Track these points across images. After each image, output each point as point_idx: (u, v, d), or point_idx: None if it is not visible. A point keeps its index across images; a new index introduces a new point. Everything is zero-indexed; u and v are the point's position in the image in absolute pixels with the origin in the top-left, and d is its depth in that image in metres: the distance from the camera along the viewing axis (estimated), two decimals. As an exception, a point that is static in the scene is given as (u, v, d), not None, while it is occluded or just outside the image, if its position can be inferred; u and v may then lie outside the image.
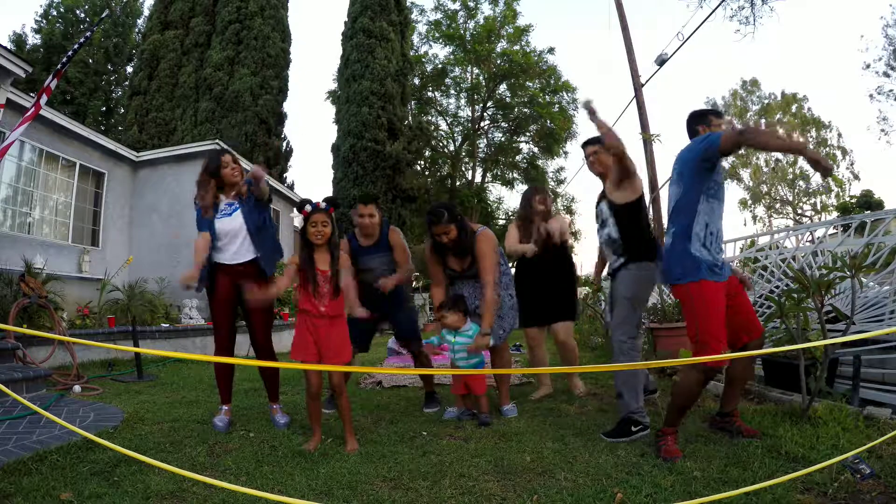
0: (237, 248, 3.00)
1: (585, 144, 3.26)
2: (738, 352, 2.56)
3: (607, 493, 1.91)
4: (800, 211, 29.29)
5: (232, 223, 2.99)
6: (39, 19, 22.39)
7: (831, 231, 4.89)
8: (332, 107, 18.80)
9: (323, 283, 2.61)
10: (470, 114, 22.23)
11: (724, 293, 2.40)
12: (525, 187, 22.74)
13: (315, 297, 2.60)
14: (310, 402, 2.64)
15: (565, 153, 22.20)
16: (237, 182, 3.07)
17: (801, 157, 2.33)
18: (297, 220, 13.60)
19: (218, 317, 3.04)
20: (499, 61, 20.85)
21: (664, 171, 11.64)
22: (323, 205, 2.65)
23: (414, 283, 19.59)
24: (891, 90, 21.26)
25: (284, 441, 2.64)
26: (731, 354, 2.51)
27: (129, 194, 9.06)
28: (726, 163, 29.34)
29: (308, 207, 2.64)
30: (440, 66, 21.49)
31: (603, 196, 3.07)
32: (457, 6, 20.97)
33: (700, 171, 2.40)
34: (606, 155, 3.01)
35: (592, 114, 2.83)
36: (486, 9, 21.14)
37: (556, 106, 21.30)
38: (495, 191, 23.65)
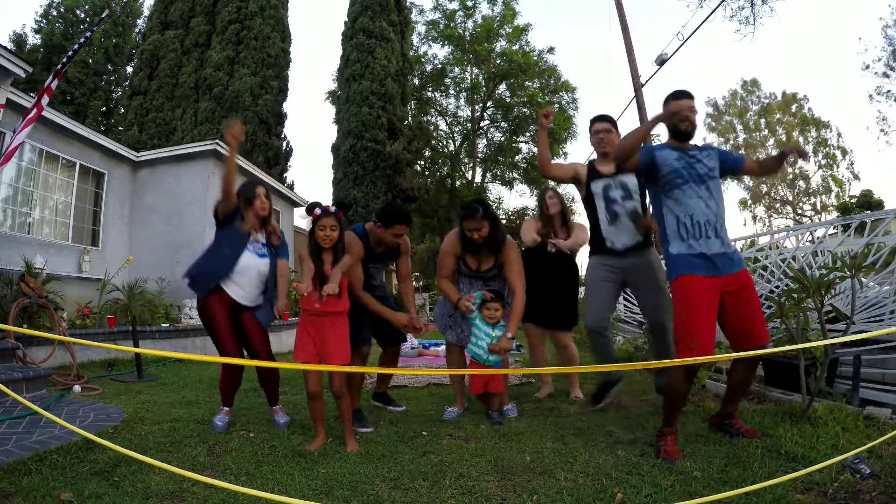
0: (252, 292, 2.96)
1: (595, 121, 3.27)
2: (748, 359, 2.52)
3: (607, 493, 1.91)
4: (800, 211, 29.29)
5: (259, 263, 2.96)
6: (39, 19, 22.42)
7: (831, 231, 4.89)
8: (332, 107, 18.81)
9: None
10: (470, 114, 22.24)
11: (711, 288, 2.33)
12: (525, 187, 22.64)
13: (318, 294, 2.59)
14: (310, 402, 2.64)
15: (565, 154, 22.21)
16: (265, 217, 3.02)
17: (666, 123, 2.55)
18: (305, 221, 13.58)
19: (222, 331, 2.90)
20: (498, 61, 20.84)
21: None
22: (332, 208, 2.64)
23: (414, 283, 19.61)
24: (889, 90, 21.27)
25: (284, 441, 2.63)
26: (731, 355, 2.51)
27: (129, 194, 9.06)
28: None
29: (317, 210, 2.62)
30: (439, 66, 21.48)
31: (623, 171, 3.07)
32: (455, 6, 20.97)
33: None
34: (616, 136, 3.17)
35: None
36: (484, 8, 21.15)
37: (556, 106, 21.29)
38: (495, 191, 23.66)
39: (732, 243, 2.52)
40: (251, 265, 2.94)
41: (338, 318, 2.65)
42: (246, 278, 2.93)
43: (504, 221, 20.79)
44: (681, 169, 2.48)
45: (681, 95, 2.56)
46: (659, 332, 3.13)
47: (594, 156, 3.41)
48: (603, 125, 3.23)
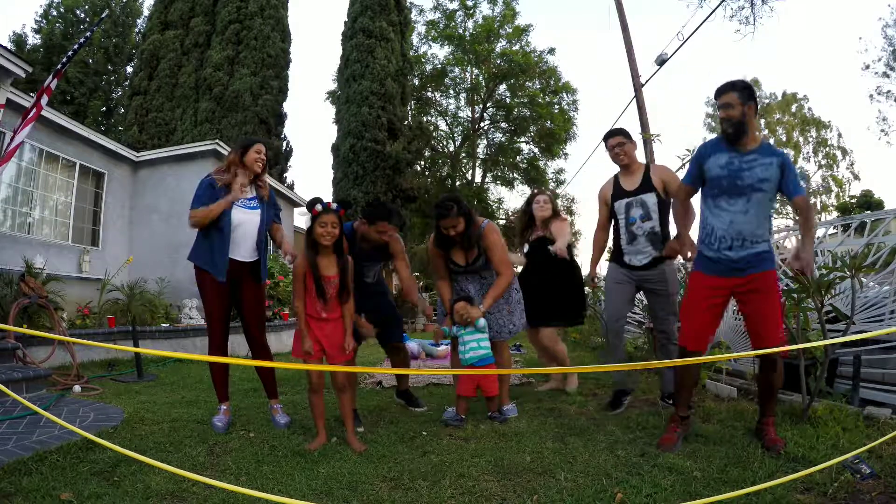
0: (250, 246, 2.97)
1: (608, 136, 3.34)
2: (761, 362, 2.55)
3: (607, 493, 1.91)
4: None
5: (251, 217, 2.96)
6: (39, 19, 22.44)
7: (831, 231, 4.89)
8: (332, 107, 18.82)
9: (329, 288, 2.60)
10: (470, 114, 22.25)
11: (709, 286, 2.49)
12: (525, 188, 22.65)
13: (322, 302, 2.59)
14: (312, 396, 2.63)
15: (565, 154, 22.20)
16: (257, 172, 3.01)
17: None
18: (304, 220, 13.57)
19: (215, 312, 2.96)
20: (498, 61, 20.85)
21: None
22: (334, 205, 2.60)
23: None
24: (889, 90, 21.27)
25: (284, 441, 2.63)
26: (731, 355, 2.50)
27: (129, 194, 9.05)
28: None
29: (318, 206, 2.57)
30: (439, 66, 21.48)
31: (645, 188, 3.17)
32: (455, 6, 20.97)
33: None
34: (632, 146, 3.26)
35: None
36: (484, 8, 21.15)
37: (556, 107, 21.29)
38: (495, 191, 23.66)
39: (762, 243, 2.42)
40: (242, 219, 2.92)
41: (339, 322, 2.66)
42: (239, 234, 2.91)
43: (504, 222, 20.84)
44: (721, 178, 2.47)
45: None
46: (663, 336, 3.23)
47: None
48: (616, 139, 3.28)
